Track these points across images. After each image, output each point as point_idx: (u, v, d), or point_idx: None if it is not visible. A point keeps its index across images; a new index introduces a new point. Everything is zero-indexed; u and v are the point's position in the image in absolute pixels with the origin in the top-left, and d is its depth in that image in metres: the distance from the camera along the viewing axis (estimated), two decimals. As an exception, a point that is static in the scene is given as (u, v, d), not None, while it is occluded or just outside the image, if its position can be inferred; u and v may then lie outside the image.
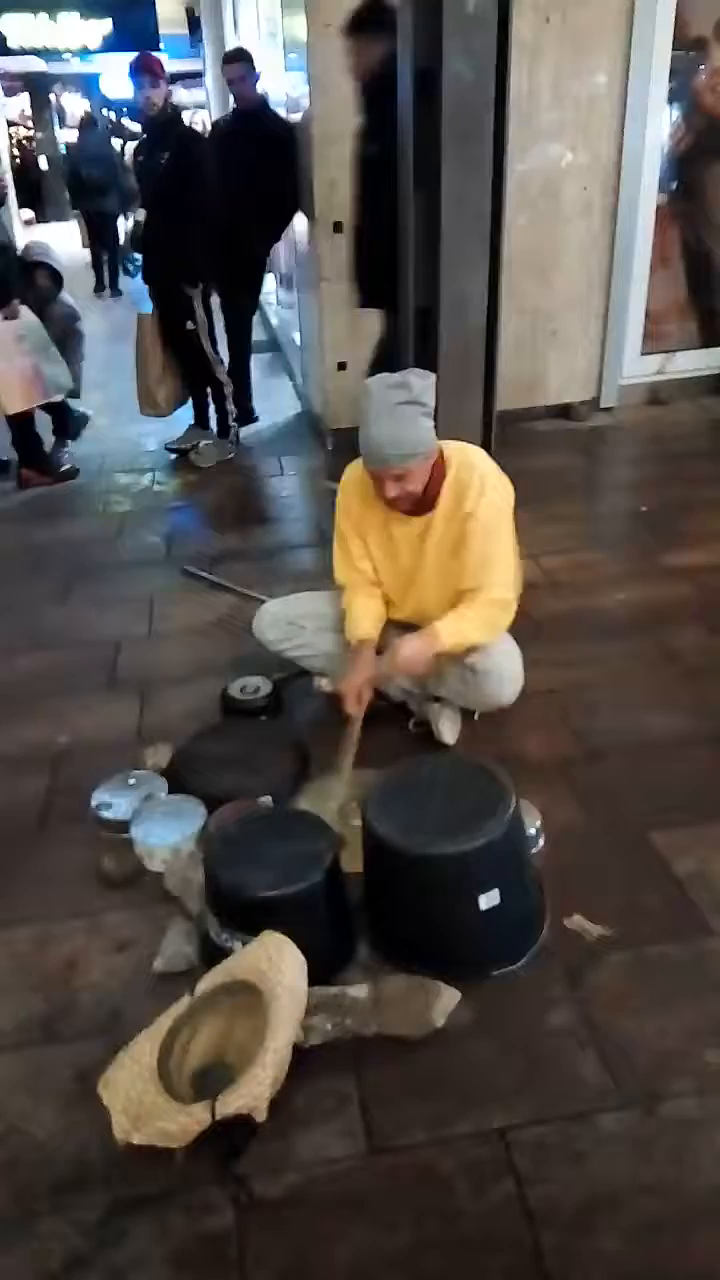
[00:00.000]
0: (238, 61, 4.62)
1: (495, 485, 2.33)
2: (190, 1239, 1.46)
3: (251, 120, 4.71)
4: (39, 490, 4.69)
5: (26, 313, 4.45)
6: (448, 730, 2.51)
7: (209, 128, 6.03)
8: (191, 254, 4.47)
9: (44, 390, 4.58)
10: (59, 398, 4.73)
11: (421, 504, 2.32)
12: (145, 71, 4.33)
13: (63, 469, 4.82)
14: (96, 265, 10.25)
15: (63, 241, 9.27)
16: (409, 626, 2.49)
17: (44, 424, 4.87)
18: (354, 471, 2.43)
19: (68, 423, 4.99)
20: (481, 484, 2.29)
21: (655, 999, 1.81)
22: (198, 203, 4.36)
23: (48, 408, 4.82)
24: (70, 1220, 1.49)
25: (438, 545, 2.36)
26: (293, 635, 2.63)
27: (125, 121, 15.73)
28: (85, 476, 4.83)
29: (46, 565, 3.87)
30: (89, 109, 14.86)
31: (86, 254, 10.55)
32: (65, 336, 4.78)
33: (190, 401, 5.02)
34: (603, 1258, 1.41)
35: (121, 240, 9.95)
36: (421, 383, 2.19)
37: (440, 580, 2.40)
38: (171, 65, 4.76)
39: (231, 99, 4.83)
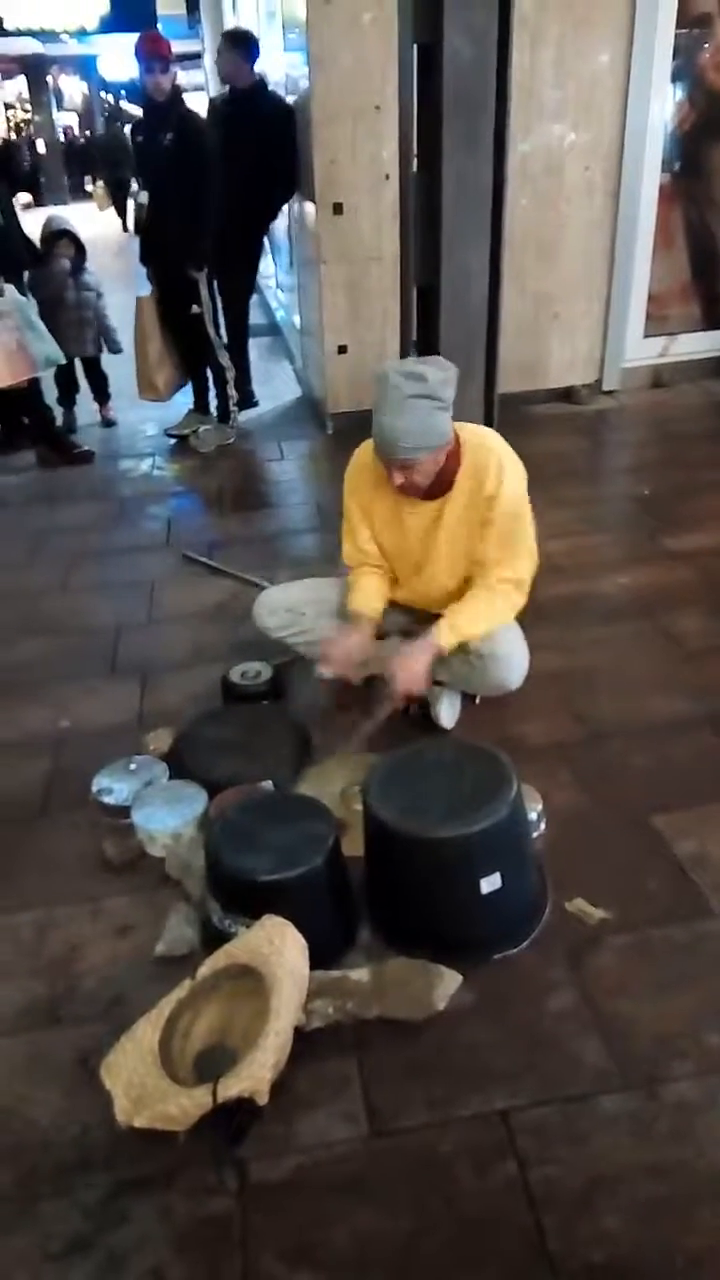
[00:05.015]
0: (231, 45, 4.61)
1: (512, 468, 2.29)
2: (192, 1221, 1.47)
3: (248, 100, 4.66)
4: (40, 474, 4.67)
5: (11, 290, 4.40)
6: (446, 714, 2.50)
7: (206, 106, 5.95)
8: (201, 237, 4.43)
9: (30, 365, 4.50)
10: (41, 374, 4.66)
11: (435, 489, 2.28)
12: (155, 56, 4.27)
13: (76, 451, 4.80)
14: (120, 213, 14.16)
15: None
16: (410, 610, 2.48)
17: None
18: (364, 454, 2.38)
19: (105, 385, 5.24)
20: (500, 466, 2.25)
21: (656, 981, 1.81)
22: (205, 185, 4.31)
23: (86, 373, 5.17)
24: (73, 1202, 1.50)
25: (453, 530, 2.32)
26: (293, 622, 2.60)
27: (124, 104, 15.71)
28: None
29: (46, 550, 3.86)
30: (86, 94, 15.38)
31: (98, 225, 13.26)
32: (95, 308, 4.96)
33: (189, 386, 5.00)
34: (604, 1238, 1.41)
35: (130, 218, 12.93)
36: (440, 375, 2.10)
37: (450, 565, 2.37)
38: (169, 47, 4.69)
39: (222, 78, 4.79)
